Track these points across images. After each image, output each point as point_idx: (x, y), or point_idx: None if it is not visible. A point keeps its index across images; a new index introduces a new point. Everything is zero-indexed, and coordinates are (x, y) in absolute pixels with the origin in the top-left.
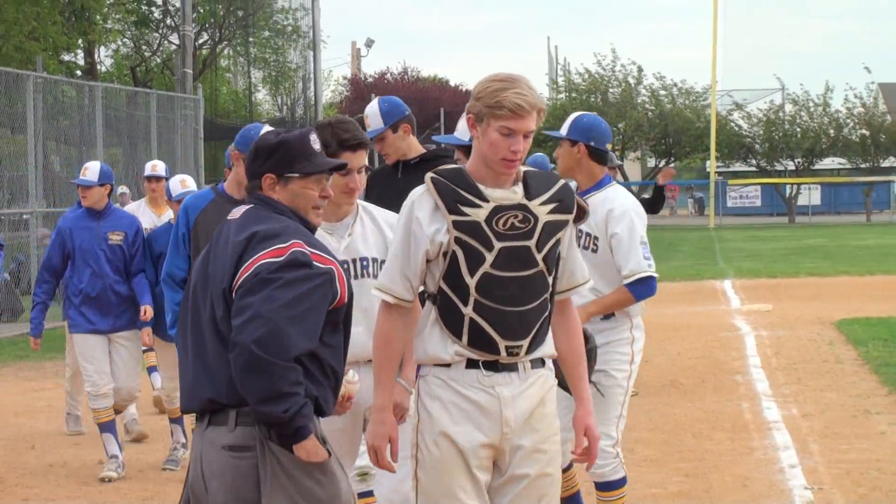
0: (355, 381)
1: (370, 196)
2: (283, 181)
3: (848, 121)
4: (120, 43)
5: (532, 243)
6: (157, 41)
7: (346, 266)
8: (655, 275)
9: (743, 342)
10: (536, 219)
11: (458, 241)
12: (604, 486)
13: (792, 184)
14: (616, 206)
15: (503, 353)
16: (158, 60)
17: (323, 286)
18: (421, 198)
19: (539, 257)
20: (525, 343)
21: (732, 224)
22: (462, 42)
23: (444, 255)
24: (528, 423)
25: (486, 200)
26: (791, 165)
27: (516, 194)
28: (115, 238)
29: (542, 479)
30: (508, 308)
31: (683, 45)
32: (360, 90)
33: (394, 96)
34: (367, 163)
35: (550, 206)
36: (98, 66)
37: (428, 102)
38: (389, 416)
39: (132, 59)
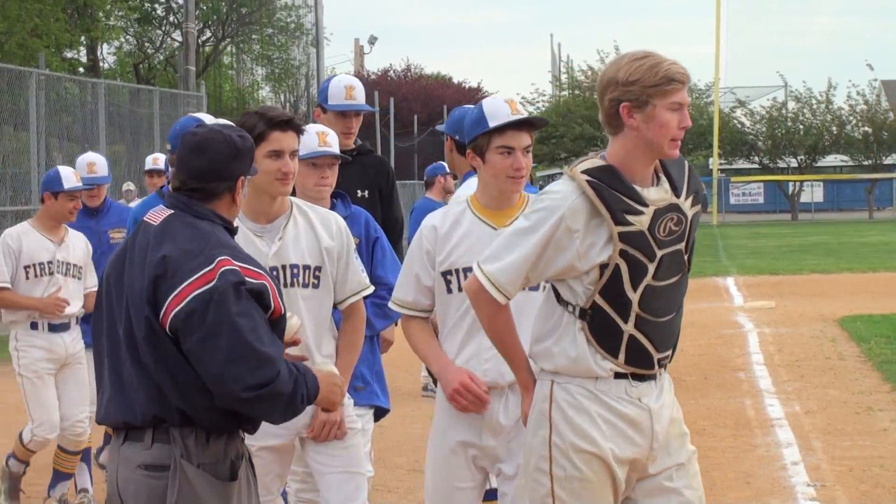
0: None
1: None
2: (244, 185)
3: (851, 118)
4: (123, 40)
5: (683, 245)
6: (160, 38)
7: (274, 273)
8: None
9: (746, 339)
10: (687, 218)
11: (622, 254)
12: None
13: (795, 181)
14: (454, 200)
15: (656, 366)
16: (161, 57)
17: (261, 301)
18: (574, 205)
19: (686, 259)
20: (671, 352)
21: (735, 221)
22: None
23: (602, 268)
24: (668, 433)
25: (645, 205)
26: (794, 163)
27: (667, 193)
28: (117, 236)
29: (691, 491)
30: (663, 319)
31: (686, 42)
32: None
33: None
34: (297, 147)
35: (691, 199)
36: (101, 63)
37: (431, 99)
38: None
39: (135, 56)
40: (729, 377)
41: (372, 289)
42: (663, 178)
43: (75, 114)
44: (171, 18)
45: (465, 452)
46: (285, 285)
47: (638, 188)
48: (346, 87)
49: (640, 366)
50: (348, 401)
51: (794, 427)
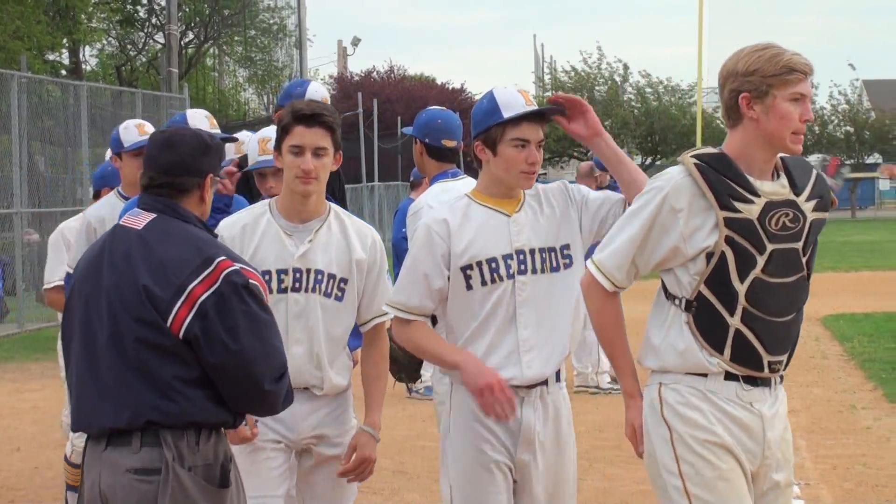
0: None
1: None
2: (213, 184)
3: (833, 118)
4: (105, 42)
5: (800, 246)
6: (143, 40)
7: (297, 275)
8: None
9: None
10: (805, 218)
11: (728, 241)
12: None
13: None
14: (415, 207)
15: (766, 369)
16: (144, 60)
17: (260, 300)
18: (679, 184)
19: (804, 261)
20: (785, 357)
21: None
22: (448, 40)
23: (708, 256)
24: (782, 450)
25: (757, 195)
26: None
27: (785, 188)
28: None
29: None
30: (776, 319)
31: (669, 43)
32: (346, 89)
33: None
34: (329, 147)
35: (813, 203)
36: (83, 66)
37: (415, 101)
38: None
39: (117, 58)
40: None
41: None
42: (783, 175)
43: (57, 116)
44: (154, 20)
45: (500, 470)
46: (306, 290)
47: (751, 178)
48: (324, 95)
49: (749, 366)
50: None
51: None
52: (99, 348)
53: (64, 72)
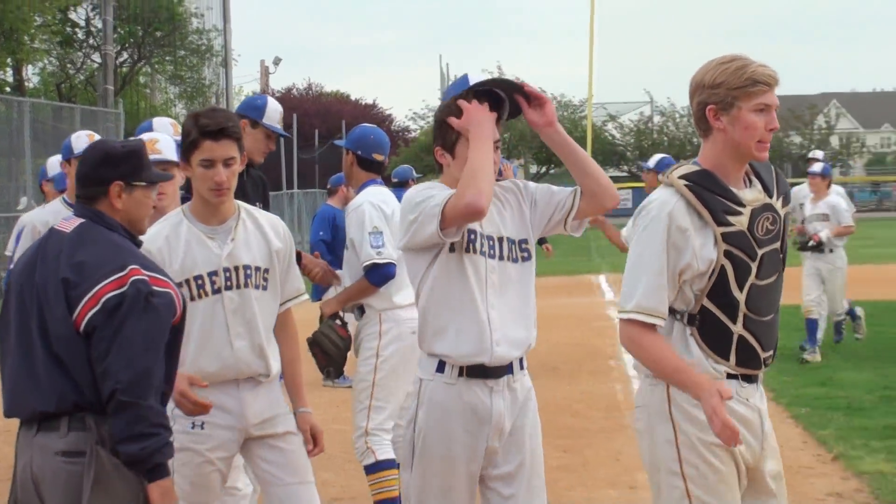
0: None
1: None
2: (129, 189)
3: None
4: (46, 61)
5: (779, 245)
6: (81, 60)
7: (227, 274)
8: (384, 261)
9: (615, 331)
10: (781, 218)
11: (727, 254)
12: (365, 471)
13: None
14: (354, 205)
15: (762, 366)
16: (82, 77)
17: (167, 310)
18: (676, 206)
19: (782, 258)
20: (773, 352)
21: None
22: (361, 59)
23: (709, 271)
24: (772, 438)
25: (743, 205)
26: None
27: (761, 193)
28: None
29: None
30: (766, 318)
31: (564, 63)
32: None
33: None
34: (237, 155)
35: (782, 200)
36: (26, 83)
37: (331, 115)
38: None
39: (57, 76)
40: (601, 364)
41: (307, 297)
42: (755, 179)
43: (2, 129)
44: (91, 41)
45: (472, 476)
46: (239, 286)
47: (734, 189)
48: (281, 113)
49: (750, 366)
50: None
51: None
52: (31, 339)
53: (8, 88)
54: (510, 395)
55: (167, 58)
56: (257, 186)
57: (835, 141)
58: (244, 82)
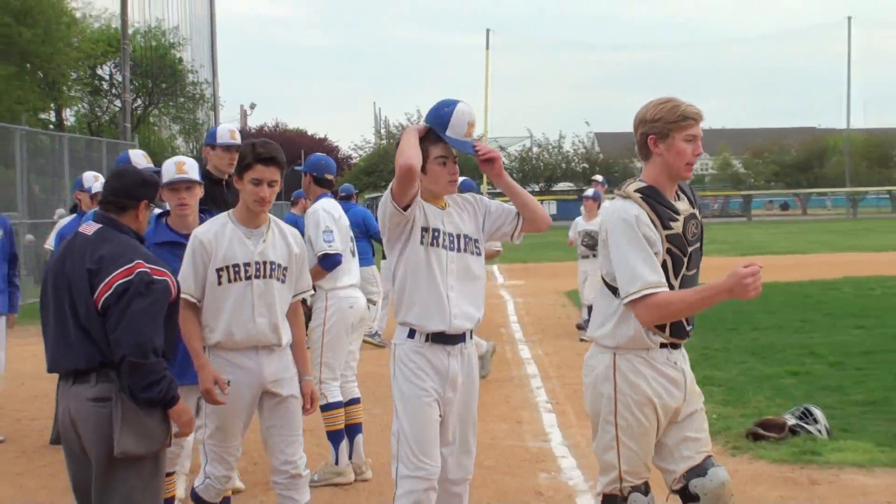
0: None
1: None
2: (148, 207)
3: (574, 158)
4: (80, 106)
5: (699, 245)
6: (106, 105)
7: (258, 266)
8: (333, 251)
9: (506, 306)
10: (701, 224)
11: (669, 251)
12: (320, 410)
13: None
14: (311, 211)
15: (687, 335)
16: (107, 118)
17: (164, 293)
18: (639, 211)
19: (701, 254)
20: (693, 325)
21: None
22: (316, 104)
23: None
24: (693, 388)
25: (679, 213)
26: (537, 188)
27: (687, 205)
28: None
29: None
30: None
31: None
32: (245, 139)
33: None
34: (279, 179)
35: (698, 209)
36: (65, 122)
37: (293, 147)
38: None
39: (88, 117)
40: (495, 331)
41: (313, 292)
42: (682, 194)
43: (47, 157)
44: (113, 91)
45: (435, 404)
46: (265, 277)
47: (671, 201)
48: (229, 131)
49: (679, 336)
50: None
51: (538, 363)
52: (65, 315)
53: (51, 126)
54: (461, 358)
55: (170, 103)
56: (227, 200)
57: None
58: (228, 120)
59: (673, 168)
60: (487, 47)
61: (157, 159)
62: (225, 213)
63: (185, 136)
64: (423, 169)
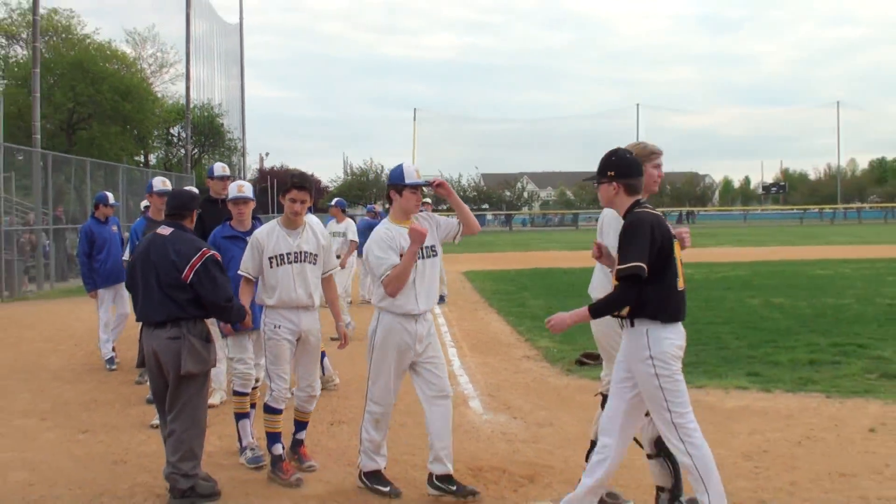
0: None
1: (203, 216)
2: (194, 213)
3: (469, 192)
4: (159, 152)
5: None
6: (175, 152)
7: (297, 255)
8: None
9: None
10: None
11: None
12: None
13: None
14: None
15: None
16: (176, 160)
17: (223, 264)
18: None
19: None
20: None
21: None
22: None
23: None
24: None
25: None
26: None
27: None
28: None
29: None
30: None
31: (400, 157)
32: (264, 175)
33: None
34: (308, 200)
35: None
36: (150, 163)
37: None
38: None
39: (164, 159)
40: None
41: (338, 269)
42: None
43: (139, 184)
44: (180, 143)
45: (403, 365)
46: (301, 262)
47: None
48: (223, 166)
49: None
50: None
51: (447, 317)
52: (152, 286)
53: (141, 164)
54: (425, 324)
55: (215, 151)
56: (222, 214)
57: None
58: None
59: (648, 187)
60: (415, 119)
61: (203, 187)
62: (274, 220)
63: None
64: (400, 193)
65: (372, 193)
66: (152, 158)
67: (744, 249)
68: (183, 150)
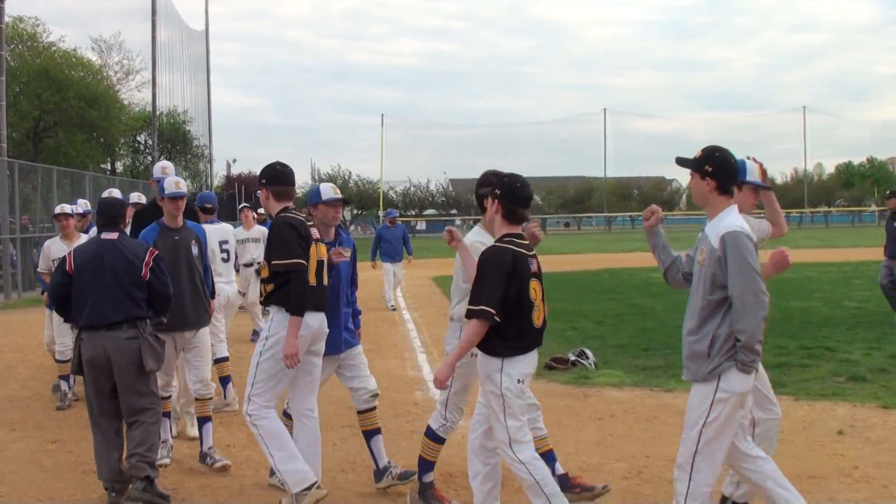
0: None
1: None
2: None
3: (436, 194)
4: (126, 160)
5: None
6: (142, 159)
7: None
8: None
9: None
10: None
11: None
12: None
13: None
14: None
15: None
16: (143, 167)
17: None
18: None
19: None
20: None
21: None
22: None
23: None
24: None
25: None
26: (412, 212)
27: None
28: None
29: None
30: None
31: (370, 161)
32: (231, 182)
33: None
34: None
35: None
36: (116, 170)
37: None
38: None
39: (131, 167)
40: (386, 303)
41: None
42: None
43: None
44: (146, 150)
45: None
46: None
47: None
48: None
49: None
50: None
51: (414, 322)
52: (108, 289)
53: (108, 172)
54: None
55: (182, 158)
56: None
57: None
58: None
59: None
60: (382, 125)
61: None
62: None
63: (192, 180)
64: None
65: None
66: (119, 166)
67: None
68: (150, 158)
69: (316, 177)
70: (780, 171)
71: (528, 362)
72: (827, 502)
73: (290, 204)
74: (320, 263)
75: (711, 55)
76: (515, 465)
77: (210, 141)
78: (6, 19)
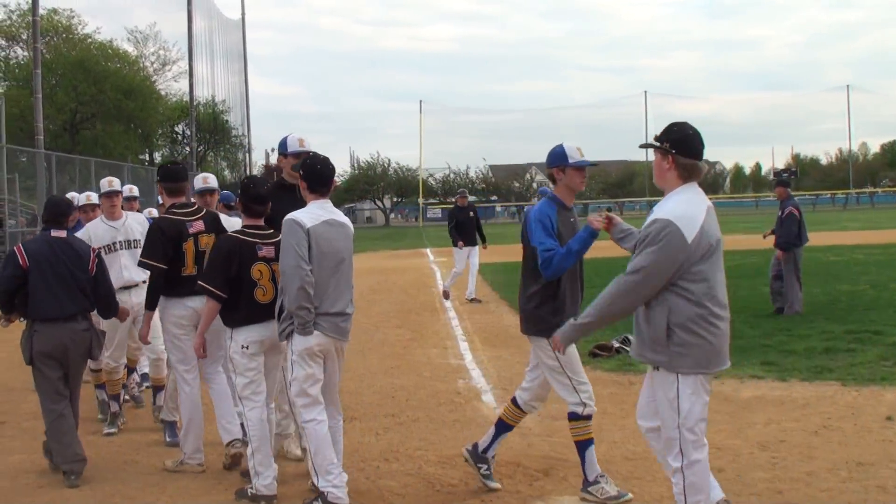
0: None
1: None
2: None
3: (478, 183)
4: (164, 150)
5: None
6: (180, 149)
7: None
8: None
9: (435, 275)
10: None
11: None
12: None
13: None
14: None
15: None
16: (181, 158)
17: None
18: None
19: None
20: None
21: (429, 225)
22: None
23: None
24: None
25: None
26: (454, 199)
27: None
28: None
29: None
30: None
31: (409, 147)
32: (270, 171)
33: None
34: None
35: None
36: (155, 161)
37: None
38: None
39: (169, 157)
40: (426, 291)
41: None
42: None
43: (145, 183)
44: (185, 140)
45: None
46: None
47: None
48: (299, 140)
49: None
50: None
51: (458, 310)
52: (63, 283)
53: (146, 163)
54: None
55: (220, 148)
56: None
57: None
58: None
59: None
60: (420, 111)
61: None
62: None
63: (231, 169)
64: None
65: (380, 187)
66: (157, 157)
67: (756, 237)
68: (188, 148)
69: (355, 165)
70: (825, 152)
71: None
72: (876, 489)
73: (182, 199)
74: (201, 253)
75: (748, 34)
76: None
77: (248, 130)
78: (41, 12)
